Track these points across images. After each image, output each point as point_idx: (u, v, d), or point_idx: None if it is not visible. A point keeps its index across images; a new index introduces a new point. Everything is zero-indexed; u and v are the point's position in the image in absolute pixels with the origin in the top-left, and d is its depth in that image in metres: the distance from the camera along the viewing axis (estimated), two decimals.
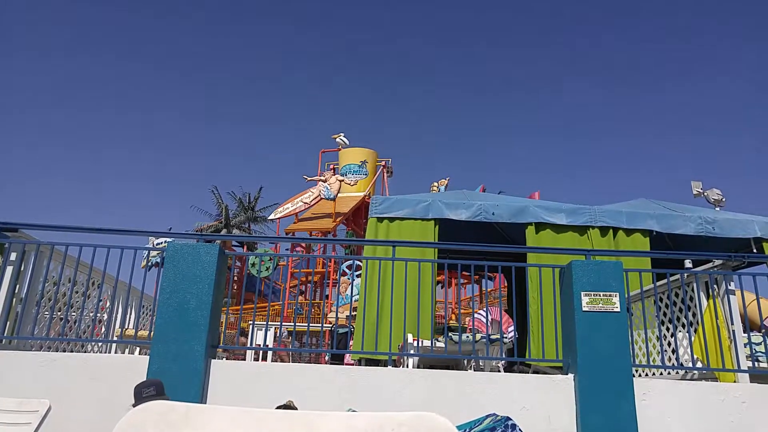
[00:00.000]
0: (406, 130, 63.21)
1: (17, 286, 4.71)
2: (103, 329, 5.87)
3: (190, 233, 4.83)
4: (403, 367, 5.18)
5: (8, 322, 4.59)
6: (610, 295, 4.38)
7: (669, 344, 5.27)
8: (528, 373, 5.08)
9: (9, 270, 4.66)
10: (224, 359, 5.85)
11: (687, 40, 64.50)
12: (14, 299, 4.67)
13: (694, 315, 4.93)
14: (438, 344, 4.96)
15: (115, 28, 59.61)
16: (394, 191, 21.49)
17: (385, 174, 21.55)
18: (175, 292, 4.29)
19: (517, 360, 5.32)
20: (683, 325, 5.12)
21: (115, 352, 5.98)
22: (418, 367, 5.09)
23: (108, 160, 58.37)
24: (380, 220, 7.21)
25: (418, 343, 4.85)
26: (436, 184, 19.64)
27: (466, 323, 6.16)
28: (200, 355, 4.14)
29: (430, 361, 5.16)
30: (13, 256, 4.70)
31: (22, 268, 4.75)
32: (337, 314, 6.99)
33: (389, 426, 0.91)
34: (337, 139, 21.11)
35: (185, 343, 4.16)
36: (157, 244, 10.47)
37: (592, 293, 4.39)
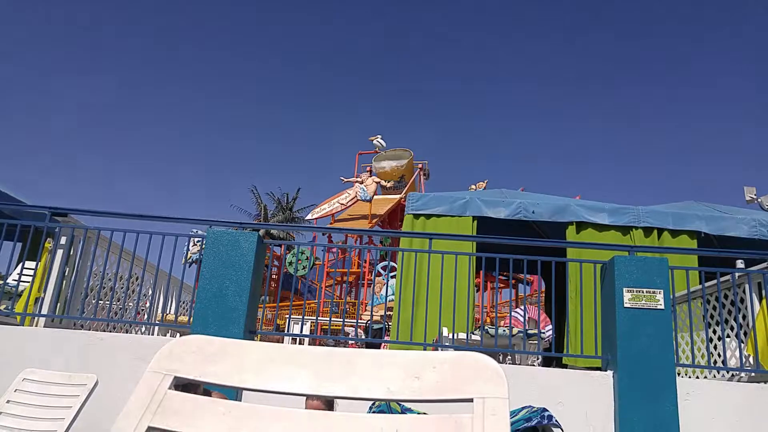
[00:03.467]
0: (443, 133, 63.00)
1: (67, 269, 4.90)
2: (146, 316, 6.06)
3: (230, 221, 4.92)
4: None
5: (59, 303, 4.79)
6: (653, 292, 4.24)
7: (715, 347, 5.07)
8: None
9: (59, 253, 4.86)
10: None
11: (751, 36, 62.16)
12: (64, 281, 4.86)
13: (744, 317, 4.73)
14: (474, 338, 4.91)
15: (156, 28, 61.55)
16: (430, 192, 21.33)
17: (421, 176, 21.49)
18: (215, 278, 4.38)
19: (554, 355, 5.22)
20: (731, 328, 4.92)
21: (157, 335, 6.14)
22: None
23: (149, 159, 60.20)
24: (417, 216, 7.16)
25: (453, 336, 4.81)
26: (474, 186, 19.41)
27: (503, 325, 6.07)
28: (239, 338, 4.20)
29: None
30: (63, 240, 4.89)
31: (71, 252, 4.95)
32: (372, 313, 6.99)
33: (432, 363, 0.89)
34: (374, 141, 21.17)
35: (223, 328, 4.24)
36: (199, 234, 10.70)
37: (635, 290, 4.26)
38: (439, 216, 7.16)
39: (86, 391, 3.35)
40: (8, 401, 3.21)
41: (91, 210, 4.91)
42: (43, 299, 4.70)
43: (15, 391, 3.27)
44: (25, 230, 4.91)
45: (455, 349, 4.88)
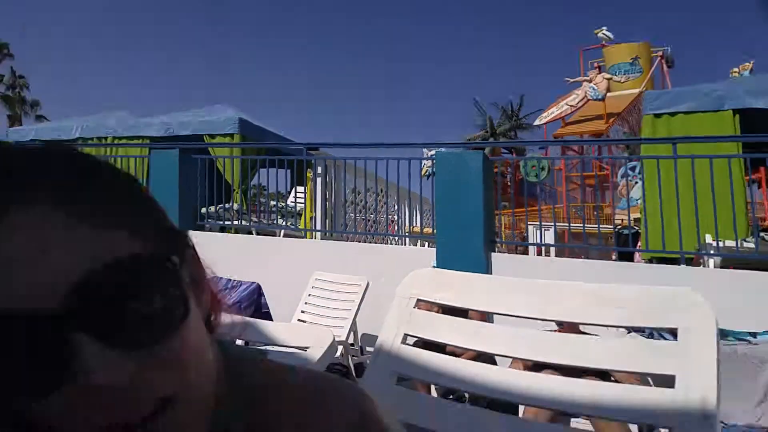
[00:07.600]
0: (685, 15, 52.70)
1: (326, 193, 5.96)
2: (396, 228, 6.92)
3: (456, 143, 5.38)
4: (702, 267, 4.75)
5: (327, 220, 5.95)
6: None
7: None
8: None
9: (319, 180, 6.03)
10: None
11: None
12: (326, 203, 5.94)
13: None
14: (746, 245, 4.43)
15: None
16: (677, 86, 18.56)
17: (664, 65, 18.57)
18: (449, 197, 4.71)
19: None
20: None
21: (408, 245, 6.89)
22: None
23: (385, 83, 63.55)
24: (658, 116, 6.35)
25: (718, 244, 4.41)
26: (736, 69, 16.07)
27: None
28: (480, 247, 4.49)
29: (737, 263, 4.59)
30: (319, 170, 6.04)
31: (327, 179, 6.08)
32: (613, 217, 6.67)
33: (647, 298, 0.99)
34: (599, 34, 18.96)
35: (465, 236, 4.56)
36: (430, 155, 11.39)
37: None
38: (687, 113, 6.25)
39: (361, 290, 4.26)
40: (309, 294, 4.38)
41: (335, 143, 5.93)
42: (315, 218, 5.83)
43: (312, 287, 4.42)
44: (291, 162, 6.15)
45: (722, 258, 4.51)
